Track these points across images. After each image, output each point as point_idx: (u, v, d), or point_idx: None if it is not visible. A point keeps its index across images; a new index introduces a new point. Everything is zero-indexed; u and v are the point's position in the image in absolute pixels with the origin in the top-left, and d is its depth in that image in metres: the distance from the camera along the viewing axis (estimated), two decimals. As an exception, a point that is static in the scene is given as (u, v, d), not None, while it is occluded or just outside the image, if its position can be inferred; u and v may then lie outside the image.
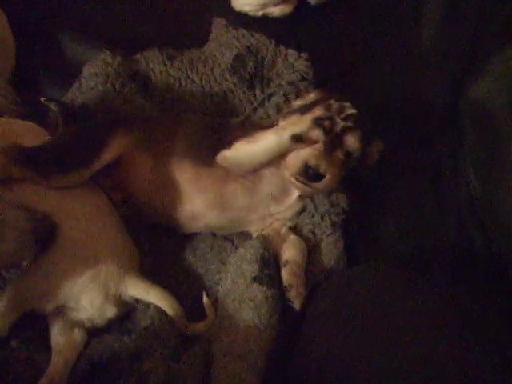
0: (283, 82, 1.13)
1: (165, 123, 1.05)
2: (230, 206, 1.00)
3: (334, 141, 0.94)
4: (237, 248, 1.02)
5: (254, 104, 1.14)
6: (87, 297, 0.87)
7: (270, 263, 0.95)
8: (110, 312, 0.90)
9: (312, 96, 1.05)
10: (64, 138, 1.01)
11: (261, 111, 1.13)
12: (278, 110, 1.11)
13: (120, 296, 0.90)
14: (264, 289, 0.90)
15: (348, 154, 0.96)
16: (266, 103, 1.13)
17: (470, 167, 1.07)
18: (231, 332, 0.87)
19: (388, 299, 0.81)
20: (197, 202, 1.00)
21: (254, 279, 0.91)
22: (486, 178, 1.03)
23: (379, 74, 1.28)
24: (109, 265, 0.88)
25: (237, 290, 0.92)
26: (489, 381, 0.65)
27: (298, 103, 1.06)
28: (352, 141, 0.95)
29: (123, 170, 1.01)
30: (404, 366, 0.69)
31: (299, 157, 0.93)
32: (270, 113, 1.12)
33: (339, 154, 0.95)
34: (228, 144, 0.97)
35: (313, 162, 0.92)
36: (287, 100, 1.12)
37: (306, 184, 0.94)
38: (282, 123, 0.98)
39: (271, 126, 0.99)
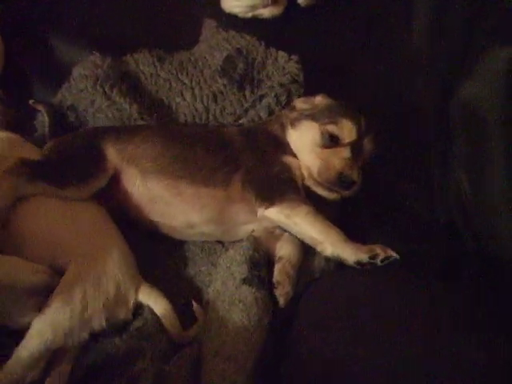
0: (274, 84, 1.14)
1: (154, 140, 1.03)
2: (229, 221, 1.01)
3: (358, 148, 0.99)
4: (227, 250, 1.02)
5: (245, 105, 1.14)
6: None
7: (259, 264, 0.95)
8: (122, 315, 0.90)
9: (319, 100, 1.07)
10: (67, 150, 1.02)
11: (252, 112, 1.13)
12: (270, 112, 1.12)
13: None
14: (253, 290, 0.90)
15: (366, 159, 1.01)
16: (258, 105, 1.14)
17: (461, 168, 1.07)
18: (221, 334, 0.87)
19: (379, 299, 0.82)
20: (193, 217, 1.00)
21: (244, 281, 0.91)
22: (476, 179, 1.03)
23: (369, 76, 1.28)
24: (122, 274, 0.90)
25: (226, 291, 0.92)
26: (481, 378, 0.65)
27: (303, 106, 1.07)
28: (369, 146, 1.01)
29: (114, 181, 1.01)
30: (396, 364, 0.69)
31: (332, 167, 0.97)
32: (262, 114, 1.12)
33: (360, 160, 1.00)
34: (270, 201, 0.96)
35: (347, 172, 0.96)
36: (278, 102, 1.12)
37: (337, 192, 0.98)
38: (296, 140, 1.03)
39: (276, 136, 1.04)
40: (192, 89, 1.15)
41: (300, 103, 1.08)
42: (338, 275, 0.94)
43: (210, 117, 1.15)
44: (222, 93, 1.14)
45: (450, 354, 0.69)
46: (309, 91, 1.14)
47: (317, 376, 0.76)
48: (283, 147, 1.04)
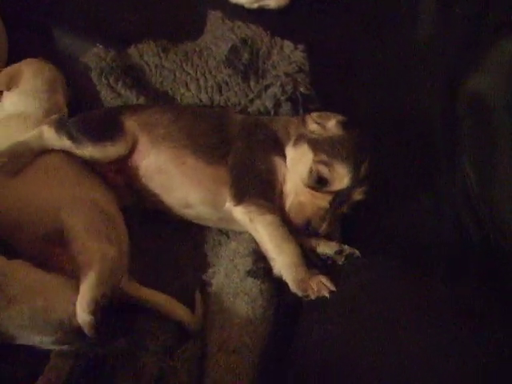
0: (280, 73, 1.11)
1: (166, 111, 1.05)
2: (223, 206, 0.99)
3: (344, 197, 0.94)
4: (230, 241, 1.01)
5: (251, 95, 1.12)
6: None
7: (264, 256, 0.93)
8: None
9: (331, 125, 0.99)
10: (90, 117, 1.05)
11: (258, 102, 1.11)
12: (275, 102, 1.09)
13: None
14: (258, 282, 0.89)
15: (349, 206, 0.96)
16: (263, 94, 1.11)
17: (467, 161, 1.05)
18: (226, 326, 0.86)
19: (386, 293, 0.81)
20: (190, 193, 1.00)
21: (248, 273, 0.90)
22: (483, 172, 1.01)
23: (375, 67, 1.26)
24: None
25: (231, 284, 0.91)
26: (487, 374, 0.64)
27: (313, 126, 1.00)
28: (359, 197, 0.95)
29: (127, 154, 1.01)
30: (402, 358, 0.68)
31: (304, 212, 0.93)
32: (267, 104, 1.10)
33: (343, 209, 0.96)
34: (239, 198, 0.95)
35: (316, 224, 0.93)
36: (284, 91, 1.10)
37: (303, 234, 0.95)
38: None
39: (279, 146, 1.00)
40: (197, 79, 1.14)
41: (312, 121, 1.00)
42: (345, 269, 0.92)
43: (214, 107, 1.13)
44: (226, 83, 1.12)
45: (456, 349, 0.68)
46: (314, 81, 1.12)
47: (322, 369, 0.75)
48: (278, 148, 1.01)
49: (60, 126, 0.99)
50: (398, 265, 0.90)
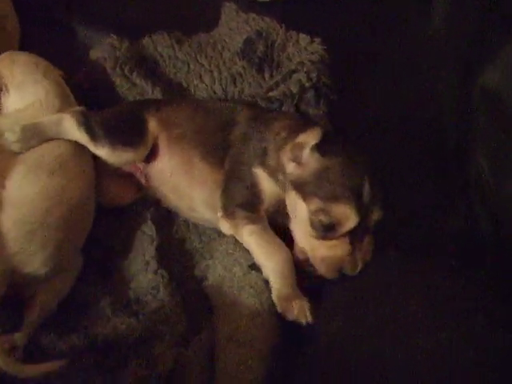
0: (305, 61, 1.09)
1: (183, 108, 1.05)
2: None
3: (362, 228, 0.85)
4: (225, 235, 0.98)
5: (276, 79, 1.10)
6: None
7: None
8: None
9: (306, 159, 0.87)
10: (113, 115, 1.03)
11: (282, 86, 1.09)
12: (300, 87, 1.07)
13: None
14: (262, 276, 0.88)
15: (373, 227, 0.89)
16: (288, 80, 1.09)
17: (480, 153, 1.04)
18: (233, 320, 0.85)
19: (403, 288, 0.80)
20: (195, 196, 1.00)
21: (251, 267, 0.89)
22: (496, 165, 1.00)
23: (388, 61, 1.26)
24: None
25: (233, 277, 0.89)
26: (502, 367, 0.63)
27: (292, 170, 0.89)
28: (377, 215, 0.87)
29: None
30: (420, 354, 0.67)
31: (331, 269, 0.85)
32: (292, 89, 1.07)
33: (368, 232, 0.88)
34: (225, 209, 0.94)
35: (348, 269, 0.85)
36: (309, 78, 1.07)
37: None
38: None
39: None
40: (211, 71, 1.14)
41: (288, 161, 0.89)
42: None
43: (229, 99, 1.13)
44: (240, 75, 1.12)
45: (465, 344, 0.67)
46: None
47: (336, 363, 0.74)
48: (263, 160, 0.95)
49: (82, 120, 0.97)
50: (410, 257, 0.89)
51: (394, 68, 1.25)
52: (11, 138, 0.92)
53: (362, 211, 0.83)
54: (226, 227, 0.95)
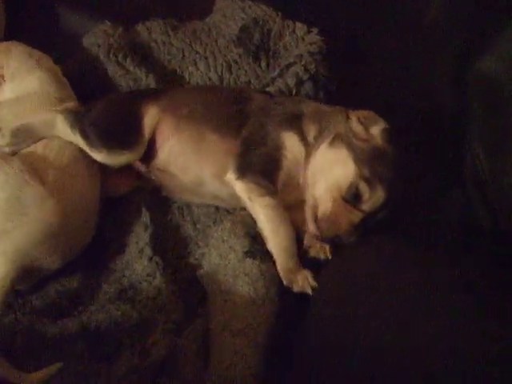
0: (304, 53, 1.08)
1: (191, 90, 1.06)
2: None
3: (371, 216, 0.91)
4: (221, 222, 0.99)
5: (273, 74, 1.10)
6: None
7: (260, 237, 0.92)
8: None
9: (376, 133, 0.93)
10: (107, 113, 1.01)
11: (279, 81, 1.08)
12: (297, 80, 1.07)
13: None
14: (258, 263, 0.88)
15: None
16: (285, 73, 1.09)
17: (477, 142, 1.04)
18: (228, 308, 0.85)
19: (398, 275, 0.79)
20: (204, 169, 0.99)
21: (246, 254, 0.89)
22: (493, 153, 1.00)
23: (384, 52, 1.25)
24: None
25: (228, 264, 0.89)
26: (499, 354, 0.63)
27: (357, 128, 0.94)
28: (382, 215, 0.92)
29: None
30: (415, 340, 0.67)
31: (337, 225, 0.89)
32: (289, 82, 1.07)
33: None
34: (242, 172, 0.94)
35: (345, 237, 0.90)
36: (306, 70, 1.07)
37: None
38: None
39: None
40: (206, 58, 1.13)
41: (356, 121, 0.93)
42: (356, 251, 0.91)
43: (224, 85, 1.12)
44: (236, 62, 1.11)
45: (471, 329, 0.67)
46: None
47: (331, 350, 0.74)
48: (294, 124, 0.97)
49: (75, 122, 0.96)
50: (408, 245, 0.89)
51: (389, 58, 1.24)
52: (1, 142, 0.92)
53: (387, 205, 0.90)
54: (239, 188, 0.94)
